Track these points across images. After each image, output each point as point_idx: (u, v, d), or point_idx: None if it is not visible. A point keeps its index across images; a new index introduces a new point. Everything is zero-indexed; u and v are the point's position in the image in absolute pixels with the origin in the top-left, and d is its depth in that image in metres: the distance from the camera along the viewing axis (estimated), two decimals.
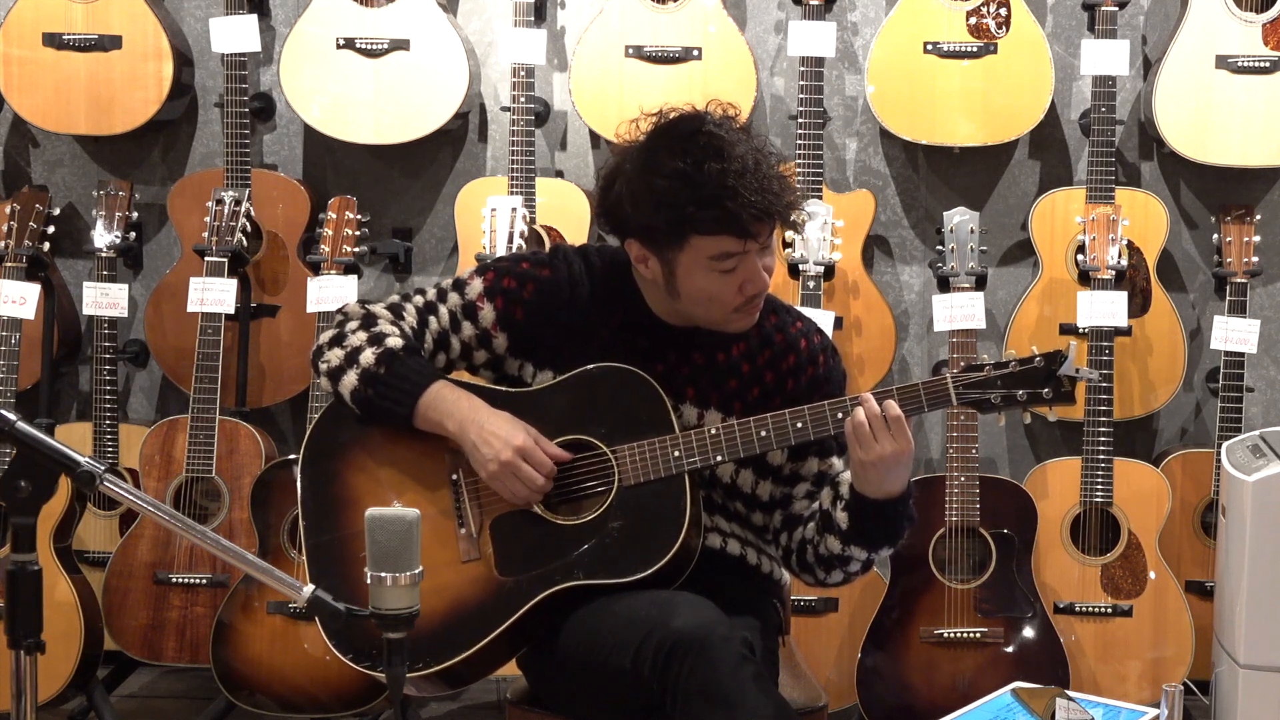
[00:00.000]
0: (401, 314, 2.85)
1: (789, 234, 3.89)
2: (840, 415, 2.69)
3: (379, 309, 2.86)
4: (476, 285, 2.82)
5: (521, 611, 2.69)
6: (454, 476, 2.79)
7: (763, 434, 2.71)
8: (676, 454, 2.71)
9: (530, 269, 2.82)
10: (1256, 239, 4.13)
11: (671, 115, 2.72)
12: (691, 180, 2.61)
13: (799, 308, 3.25)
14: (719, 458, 2.72)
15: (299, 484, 2.86)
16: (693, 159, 2.62)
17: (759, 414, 2.73)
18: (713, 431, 2.72)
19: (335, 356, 2.80)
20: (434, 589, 2.64)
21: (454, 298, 2.84)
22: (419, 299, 2.87)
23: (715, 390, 2.79)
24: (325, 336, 2.85)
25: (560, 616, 2.71)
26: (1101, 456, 4.06)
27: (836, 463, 2.87)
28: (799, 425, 2.71)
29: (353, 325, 2.83)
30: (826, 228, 4.03)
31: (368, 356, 2.77)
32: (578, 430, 2.75)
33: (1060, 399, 2.70)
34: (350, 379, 2.77)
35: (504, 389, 2.82)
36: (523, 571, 2.72)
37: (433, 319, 2.84)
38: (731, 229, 2.63)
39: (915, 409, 2.68)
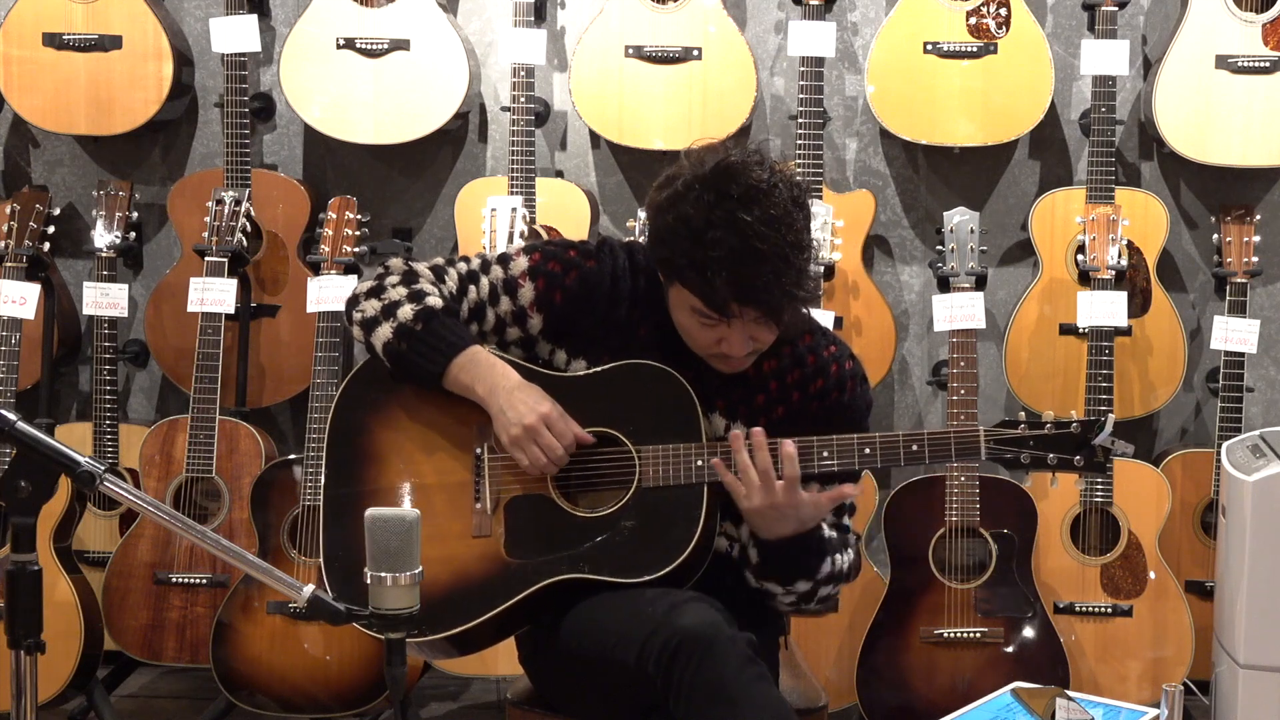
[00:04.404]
0: (443, 277, 2.83)
1: None
2: (868, 451, 2.68)
3: (421, 268, 2.84)
4: (521, 263, 2.81)
5: (522, 595, 2.70)
6: (478, 450, 2.78)
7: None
8: (700, 464, 2.70)
9: (576, 257, 2.81)
10: (1256, 239, 4.13)
11: (733, 156, 2.62)
12: (694, 236, 2.58)
13: None
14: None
15: (326, 431, 2.85)
16: (707, 216, 2.57)
17: (782, 433, 2.71)
18: None
19: (371, 307, 2.79)
20: (441, 558, 2.66)
21: (497, 271, 2.82)
22: (462, 266, 2.85)
23: (744, 404, 2.79)
24: (363, 287, 2.83)
25: (563, 607, 2.71)
26: None
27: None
28: (825, 455, 2.70)
29: (393, 280, 2.81)
30: (826, 228, 4.05)
31: (406, 312, 2.75)
32: (607, 423, 2.75)
33: (1091, 468, 2.67)
34: (385, 331, 2.76)
35: (539, 369, 2.80)
36: (531, 556, 2.72)
37: (472, 288, 2.82)
38: (707, 300, 2.61)
39: (944, 458, 2.67)
